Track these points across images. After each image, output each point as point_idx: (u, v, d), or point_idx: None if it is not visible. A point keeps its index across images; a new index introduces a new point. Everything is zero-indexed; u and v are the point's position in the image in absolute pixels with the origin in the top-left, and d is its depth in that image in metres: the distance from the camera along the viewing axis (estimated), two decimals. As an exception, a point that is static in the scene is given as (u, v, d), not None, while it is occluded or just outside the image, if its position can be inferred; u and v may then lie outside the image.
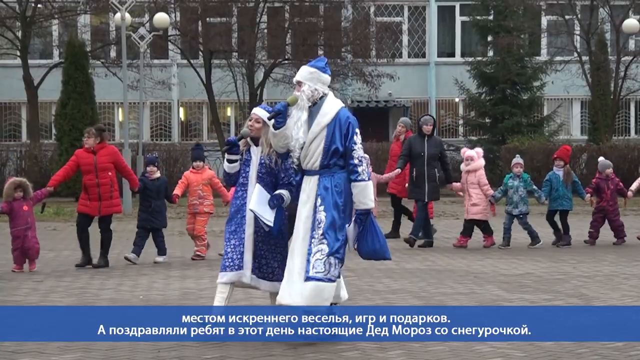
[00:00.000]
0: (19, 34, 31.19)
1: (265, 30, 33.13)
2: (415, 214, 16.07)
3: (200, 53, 33.20)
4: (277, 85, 33.45)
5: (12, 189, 13.16)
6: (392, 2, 37.51)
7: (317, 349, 7.82)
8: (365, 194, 8.02)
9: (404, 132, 17.04)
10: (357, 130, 8.11)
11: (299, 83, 8.15)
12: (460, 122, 36.62)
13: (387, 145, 30.48)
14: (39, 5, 31.84)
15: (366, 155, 14.69)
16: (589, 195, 15.77)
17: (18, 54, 31.46)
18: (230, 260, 8.22)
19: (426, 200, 15.40)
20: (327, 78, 8.19)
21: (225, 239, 8.32)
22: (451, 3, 38.05)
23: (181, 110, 37.59)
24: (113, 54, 33.85)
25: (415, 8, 38.05)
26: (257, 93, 32.56)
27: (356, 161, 8.05)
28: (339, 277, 8.09)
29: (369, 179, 8.09)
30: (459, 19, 38.09)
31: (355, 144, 8.06)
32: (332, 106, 8.10)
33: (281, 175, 8.27)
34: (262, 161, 8.26)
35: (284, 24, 33.40)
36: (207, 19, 33.09)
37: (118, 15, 26.24)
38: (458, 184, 15.54)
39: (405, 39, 37.68)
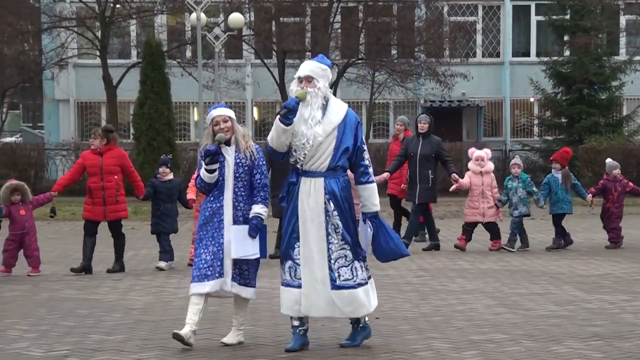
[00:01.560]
0: (99, 34, 31.70)
1: (339, 30, 33.17)
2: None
3: (274, 53, 33.37)
4: (350, 84, 33.47)
5: (8, 192, 12.61)
6: (466, 1, 37.26)
7: (392, 348, 7.81)
8: (375, 196, 7.80)
9: (403, 130, 16.48)
10: (363, 130, 7.85)
11: (309, 79, 7.67)
12: (536, 122, 36.25)
13: (460, 146, 30.37)
14: (117, 6, 32.32)
15: None
16: (590, 195, 15.27)
17: (97, 53, 31.98)
18: (210, 268, 7.67)
19: (416, 202, 14.82)
20: (331, 77, 8.00)
21: (202, 245, 7.74)
22: (526, 2, 37.67)
23: (255, 109, 37.82)
24: (189, 53, 34.21)
25: (489, 7, 37.75)
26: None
27: (367, 162, 7.79)
28: (369, 278, 7.81)
29: (375, 182, 7.89)
30: (534, 19, 37.69)
31: (364, 144, 7.81)
32: (340, 106, 7.80)
33: (256, 177, 7.80)
34: (238, 160, 7.78)
35: (357, 23, 33.40)
36: (281, 18, 33.26)
37: (194, 15, 26.50)
38: (465, 180, 14.83)
39: (479, 38, 37.41)
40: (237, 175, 7.75)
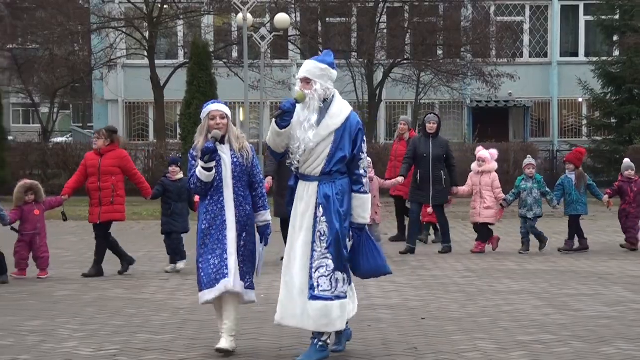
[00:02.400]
0: (146, 34, 31.95)
1: (385, 30, 33.12)
2: (424, 217, 15.33)
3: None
4: (396, 85, 33.41)
5: (22, 192, 12.40)
6: (513, 1, 37.02)
7: (438, 349, 7.78)
8: (365, 208, 7.33)
9: (407, 130, 16.25)
10: (365, 138, 7.39)
11: (307, 80, 7.25)
12: (584, 122, 35.92)
13: (507, 146, 30.18)
14: (165, 6, 32.56)
15: (368, 159, 14.48)
16: (607, 196, 14.98)
17: (145, 54, 32.23)
18: (219, 272, 7.44)
19: (431, 204, 14.48)
20: (335, 75, 7.36)
21: (209, 251, 7.48)
22: (575, 2, 37.35)
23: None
24: (235, 54, 34.35)
25: (537, 7, 37.47)
26: (377, 93, 32.59)
27: (362, 171, 7.31)
28: (349, 285, 7.41)
29: (369, 193, 7.45)
30: (582, 19, 37.36)
31: (362, 152, 7.32)
32: (342, 109, 7.31)
33: (257, 179, 7.59)
34: (235, 160, 7.52)
35: (403, 24, 33.34)
36: (327, 19, 33.28)
37: (240, 15, 26.60)
38: (463, 187, 14.71)
39: (526, 38, 37.16)
40: (236, 175, 7.51)
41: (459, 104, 36.54)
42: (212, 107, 7.57)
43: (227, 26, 35.16)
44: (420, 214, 14.78)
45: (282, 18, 28.91)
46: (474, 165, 14.88)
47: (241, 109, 34.72)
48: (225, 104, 7.75)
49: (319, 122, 7.24)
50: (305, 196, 7.30)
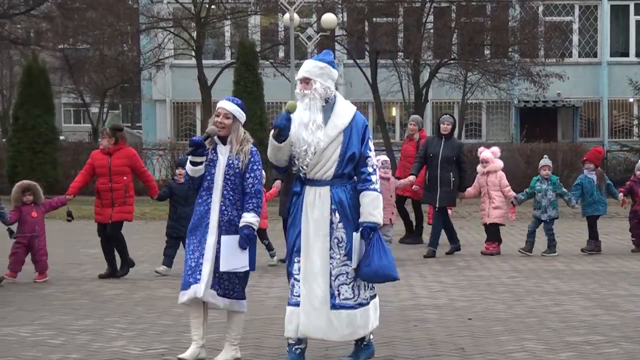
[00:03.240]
0: (194, 34, 32.15)
1: (432, 30, 33.01)
2: (430, 220, 15.22)
3: (367, 53, 33.36)
4: (442, 85, 33.29)
5: (19, 192, 12.04)
6: (562, 1, 36.72)
7: (485, 349, 7.74)
8: (375, 205, 7.03)
9: (417, 130, 16.01)
10: (371, 136, 7.21)
11: (306, 80, 7.07)
12: (635, 122, 35.54)
13: (555, 146, 29.95)
14: (212, 7, 32.74)
15: (387, 158, 14.32)
16: (621, 194, 14.73)
17: (193, 54, 32.43)
18: (193, 275, 7.18)
19: (437, 206, 14.20)
20: (335, 74, 7.18)
21: (189, 251, 7.27)
22: (625, 2, 36.96)
23: (347, 110, 37.85)
24: (281, 54, 34.43)
25: (586, 7, 37.13)
26: (423, 93, 32.49)
27: (370, 169, 7.07)
28: (373, 297, 7.20)
29: (380, 190, 7.19)
30: (633, 18, 36.97)
31: (370, 150, 7.12)
32: (347, 107, 7.16)
33: (248, 182, 7.22)
34: (230, 162, 7.23)
35: (450, 23, 33.19)
36: (374, 19, 33.23)
37: (287, 15, 26.67)
38: (469, 189, 14.45)
39: (575, 38, 36.83)
40: (227, 177, 7.21)
41: (506, 104, 36.30)
42: (221, 103, 7.34)
43: (274, 26, 35.25)
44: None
45: (328, 18, 28.92)
46: (479, 167, 14.66)
47: (287, 109, 34.78)
48: (240, 103, 7.37)
49: (325, 122, 7.04)
50: (318, 202, 7.01)
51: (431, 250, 14.11)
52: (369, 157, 7.10)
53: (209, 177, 7.24)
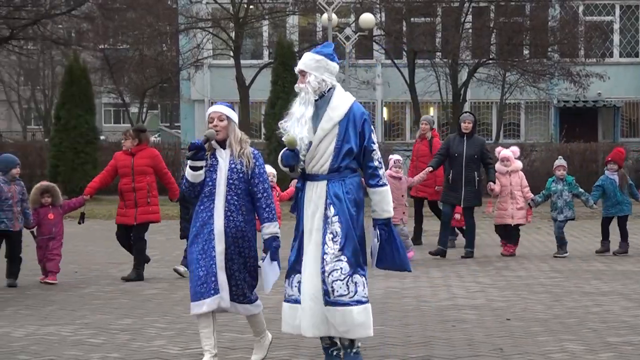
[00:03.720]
0: (232, 34, 32.27)
1: (470, 30, 32.90)
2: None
3: (404, 53, 33.32)
4: (481, 84, 33.16)
5: (38, 194, 11.91)
6: (602, 1, 36.43)
7: (524, 350, 7.70)
8: (387, 201, 6.87)
9: (429, 130, 15.81)
10: (373, 128, 6.95)
11: (302, 73, 6.90)
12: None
13: (595, 146, 29.71)
14: (250, 7, 32.85)
15: (399, 157, 14.16)
16: None
17: (231, 54, 32.55)
18: (204, 285, 6.94)
19: (462, 205, 13.95)
20: (335, 67, 6.95)
21: (193, 260, 7.01)
22: (668, 1, 36.66)
23: (385, 110, 37.86)
24: (319, 54, 34.44)
25: (627, 7, 36.81)
26: (461, 93, 32.39)
27: (376, 163, 6.84)
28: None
29: (387, 184, 6.97)
30: (674, 17, 36.65)
31: (374, 143, 6.86)
32: (344, 100, 6.88)
33: (259, 188, 6.97)
34: (233, 166, 6.97)
35: (489, 23, 33.07)
36: (412, 19, 33.19)
37: (325, 15, 26.69)
38: (497, 186, 14.13)
39: (616, 38, 36.53)
40: (231, 182, 6.94)
41: (545, 104, 36.09)
42: (211, 109, 7.10)
43: (312, 26, 35.31)
44: (452, 216, 14.29)
45: (366, 18, 28.91)
46: (498, 166, 14.36)
47: (326, 109, 34.81)
48: (230, 105, 7.21)
49: (320, 116, 6.83)
50: (314, 196, 6.82)
51: (469, 252, 14.01)
52: (374, 150, 6.86)
53: (210, 183, 6.97)
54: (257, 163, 7.00)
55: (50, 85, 54.76)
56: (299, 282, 6.85)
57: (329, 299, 6.70)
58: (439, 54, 33.05)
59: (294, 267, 6.90)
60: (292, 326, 6.92)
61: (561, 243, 14.22)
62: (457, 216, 14.67)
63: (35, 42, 36.50)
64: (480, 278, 11.99)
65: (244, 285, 7.05)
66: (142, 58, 35.03)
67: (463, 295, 10.66)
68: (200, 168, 6.94)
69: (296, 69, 6.96)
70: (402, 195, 13.65)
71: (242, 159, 6.96)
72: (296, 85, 6.96)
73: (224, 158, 6.98)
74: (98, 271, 12.74)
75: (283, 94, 27.94)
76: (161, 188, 12.46)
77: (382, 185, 6.87)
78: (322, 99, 6.87)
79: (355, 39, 29.69)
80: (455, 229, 15.23)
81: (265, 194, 6.98)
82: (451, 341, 8.06)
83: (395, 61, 33.20)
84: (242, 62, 32.51)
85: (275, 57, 29.55)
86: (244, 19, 32.28)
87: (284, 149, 6.85)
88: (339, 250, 6.72)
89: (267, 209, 6.98)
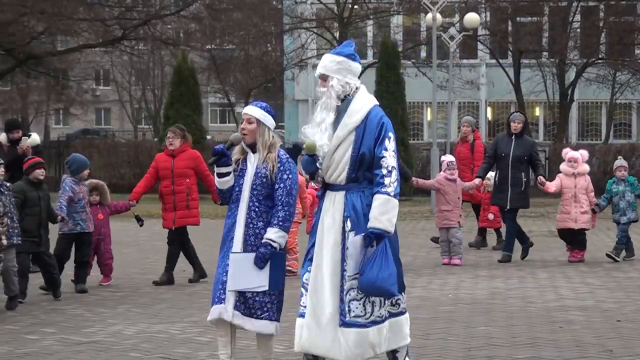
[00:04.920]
0: (337, 34, 32.41)
1: (578, 30, 32.38)
2: (482, 222, 14.69)
3: (510, 53, 32.96)
4: (589, 84, 32.61)
5: (87, 191, 11.39)
6: None
7: (635, 352, 7.52)
8: (385, 210, 6.25)
9: (471, 132, 15.37)
10: (391, 135, 6.40)
11: (324, 77, 6.50)
12: None
13: None
14: (355, 7, 32.95)
15: (452, 159, 13.71)
16: None
17: (335, 54, 32.70)
18: (215, 292, 6.68)
19: (508, 207, 13.49)
20: (357, 67, 6.55)
21: (218, 266, 6.77)
22: None
23: (489, 109, 37.54)
24: (423, 54, 34.36)
25: None
26: (568, 93, 31.89)
27: (384, 171, 6.31)
28: (401, 314, 6.49)
29: (397, 197, 6.36)
30: None
31: (385, 150, 6.34)
32: (363, 104, 6.45)
33: (277, 193, 6.62)
34: (258, 170, 6.65)
35: (598, 23, 32.48)
36: (518, 18, 32.83)
37: (429, 15, 26.58)
38: (550, 183, 13.53)
39: None
40: (254, 187, 6.63)
41: (657, 103, 35.31)
42: (245, 109, 6.80)
43: (416, 26, 35.23)
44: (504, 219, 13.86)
45: (471, 18, 28.69)
46: (564, 167, 13.78)
47: (429, 109, 34.68)
48: (264, 106, 6.82)
49: (337, 121, 6.43)
50: (331, 208, 6.43)
51: (506, 255, 13.52)
52: (384, 157, 6.33)
53: (237, 188, 6.69)
54: (282, 168, 6.63)
55: (159, 85, 55.84)
56: (300, 294, 6.50)
57: (344, 320, 6.30)
58: (545, 53, 32.62)
59: (301, 278, 6.55)
60: (297, 343, 6.49)
61: (627, 246, 13.75)
62: (490, 216, 14.46)
63: (146, 42, 37.22)
64: (589, 279, 11.78)
65: (263, 299, 6.61)
66: (248, 58, 35.46)
67: (571, 296, 10.48)
68: (227, 174, 6.67)
69: (316, 73, 6.59)
70: (458, 198, 13.35)
71: (266, 162, 6.64)
72: (317, 88, 6.61)
73: (252, 163, 6.69)
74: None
75: (387, 94, 27.93)
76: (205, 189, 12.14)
77: (384, 193, 6.28)
78: (343, 103, 6.48)
79: (460, 38, 29.48)
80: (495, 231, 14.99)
81: (281, 201, 6.60)
82: (558, 342, 7.95)
83: (500, 61, 32.87)
84: (346, 61, 32.58)
85: (379, 57, 29.55)
86: (348, 18, 32.39)
87: (304, 154, 6.50)
88: (357, 268, 6.28)
89: (277, 215, 6.59)
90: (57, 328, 8.85)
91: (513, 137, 13.66)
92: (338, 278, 6.33)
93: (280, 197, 6.59)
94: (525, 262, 13.32)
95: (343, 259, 6.33)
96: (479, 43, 34.45)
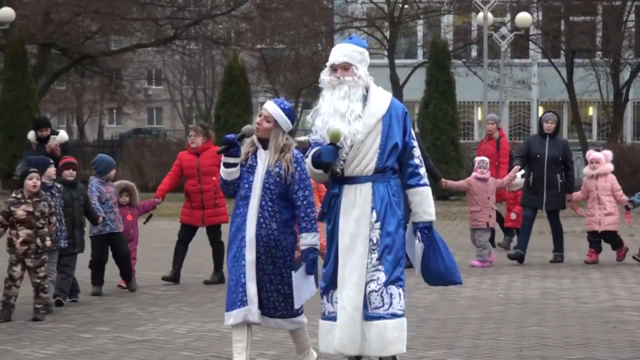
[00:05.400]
0: (387, 34, 32.39)
1: (633, 29, 32.04)
2: (506, 222, 14.46)
3: (562, 52, 32.69)
4: (646, 84, 32.26)
5: (117, 192, 11.21)
6: None
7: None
8: (429, 202, 6.37)
9: (495, 129, 15.14)
10: (411, 124, 6.49)
11: (345, 66, 6.40)
12: None
13: None
14: (405, 6, 32.90)
15: (484, 158, 13.49)
16: None
17: (385, 53, 32.67)
18: (234, 295, 6.52)
19: (544, 209, 13.29)
20: (368, 60, 6.57)
21: (228, 268, 6.63)
22: None
23: (540, 109, 37.23)
24: (474, 53, 34.20)
25: None
26: (623, 92, 31.55)
27: (417, 161, 6.37)
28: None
29: (428, 184, 6.45)
30: None
31: (414, 139, 6.40)
32: (383, 95, 6.45)
33: (299, 195, 6.51)
34: (270, 169, 6.53)
35: (653, 22, 32.13)
36: (570, 17, 32.55)
37: (480, 14, 26.48)
38: (577, 193, 13.39)
39: None
40: (267, 185, 6.51)
41: None
42: (266, 105, 6.69)
43: (467, 25, 35.08)
44: (533, 220, 13.62)
45: (523, 17, 28.52)
46: (586, 169, 13.61)
47: (479, 109, 34.48)
48: (284, 105, 6.72)
49: (362, 111, 6.36)
50: (359, 200, 6.30)
51: (558, 256, 13.39)
52: (415, 147, 6.39)
53: (246, 185, 6.56)
54: (299, 168, 6.51)
55: (210, 85, 56.13)
56: (329, 297, 6.40)
57: (367, 313, 6.25)
58: (599, 53, 32.31)
59: (333, 282, 6.38)
60: (329, 346, 6.39)
61: None
62: (513, 216, 14.32)
63: (197, 42, 37.51)
64: (645, 280, 11.65)
65: (277, 297, 6.56)
66: (298, 58, 35.54)
67: (626, 296, 10.37)
68: (234, 165, 6.55)
69: (334, 61, 6.44)
70: (489, 198, 13.14)
71: (280, 162, 6.52)
72: (331, 77, 6.43)
73: (263, 160, 6.57)
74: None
75: (437, 93, 27.83)
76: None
77: (423, 185, 6.38)
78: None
79: (511, 38, 29.31)
80: (514, 231, 14.72)
81: (305, 202, 6.51)
82: (612, 343, 7.87)
83: (553, 60, 32.61)
84: (396, 61, 32.55)
85: (429, 56, 29.46)
86: (398, 18, 32.33)
87: (321, 145, 6.34)
88: (377, 259, 6.28)
89: (306, 218, 6.50)
90: (111, 327, 8.93)
91: (547, 137, 13.47)
92: (364, 273, 6.27)
93: (301, 199, 6.50)
94: (578, 263, 13.18)
95: (370, 250, 6.29)
96: (530, 42, 34.20)
